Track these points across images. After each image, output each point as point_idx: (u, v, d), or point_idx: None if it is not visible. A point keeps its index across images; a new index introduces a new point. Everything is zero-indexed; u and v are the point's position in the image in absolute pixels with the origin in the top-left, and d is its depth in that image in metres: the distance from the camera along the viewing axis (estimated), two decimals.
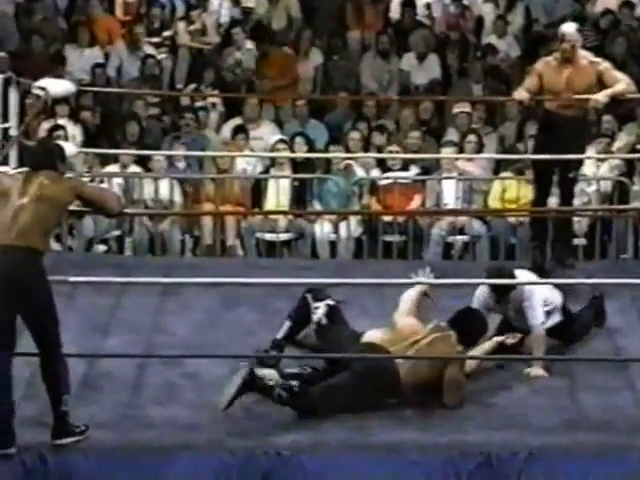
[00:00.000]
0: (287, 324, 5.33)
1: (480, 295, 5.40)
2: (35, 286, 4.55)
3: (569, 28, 6.19)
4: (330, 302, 5.25)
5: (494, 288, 5.29)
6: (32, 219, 4.55)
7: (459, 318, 5.19)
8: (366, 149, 8.15)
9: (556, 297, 5.47)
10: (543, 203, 6.32)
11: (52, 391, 4.63)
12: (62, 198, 4.63)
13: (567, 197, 6.31)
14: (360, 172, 7.91)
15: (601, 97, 6.10)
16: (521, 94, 6.19)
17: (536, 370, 5.30)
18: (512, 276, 5.36)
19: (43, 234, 4.60)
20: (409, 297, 5.35)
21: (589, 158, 7.90)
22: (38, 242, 4.57)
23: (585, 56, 6.19)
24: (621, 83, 6.15)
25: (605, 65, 6.21)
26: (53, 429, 4.66)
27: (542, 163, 6.25)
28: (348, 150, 8.07)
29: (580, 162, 6.40)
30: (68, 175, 4.87)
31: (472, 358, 5.21)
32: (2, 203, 4.62)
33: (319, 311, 5.22)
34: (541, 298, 5.36)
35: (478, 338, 5.21)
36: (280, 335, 5.33)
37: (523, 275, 5.47)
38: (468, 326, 5.16)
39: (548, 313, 5.39)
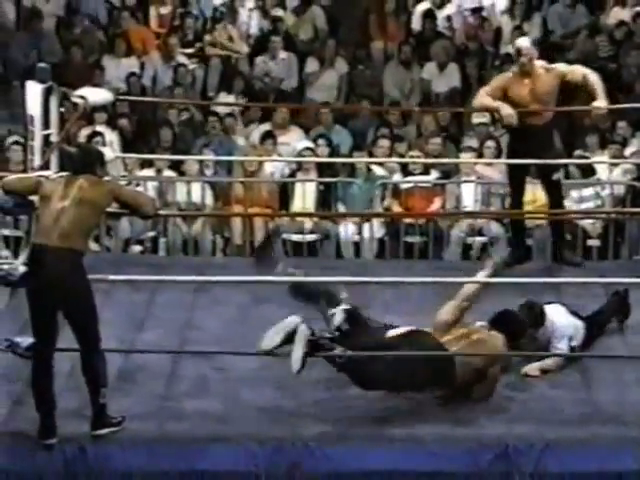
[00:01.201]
0: (340, 311, 5.14)
1: None
2: (76, 285, 4.57)
3: (524, 42, 6.15)
4: (345, 307, 5.14)
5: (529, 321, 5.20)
6: (73, 222, 4.57)
7: (500, 319, 5.11)
8: (390, 154, 8.14)
9: (579, 330, 5.38)
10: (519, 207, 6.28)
11: (91, 384, 4.65)
12: (101, 201, 4.65)
13: (557, 200, 6.28)
14: (381, 171, 7.91)
15: (601, 103, 6.05)
16: (506, 110, 5.99)
17: (531, 367, 5.23)
18: (542, 312, 5.30)
19: (83, 235, 4.62)
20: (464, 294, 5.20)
21: (602, 163, 7.88)
22: (79, 243, 4.59)
23: (541, 65, 6.15)
24: (592, 76, 6.07)
25: (561, 67, 6.16)
26: (92, 420, 4.68)
27: (516, 171, 6.23)
28: (371, 156, 8.07)
29: (556, 164, 6.33)
30: (106, 178, 4.89)
31: (508, 354, 5.14)
32: (44, 206, 4.64)
33: (337, 317, 5.08)
34: (568, 337, 5.30)
35: (519, 340, 5.14)
36: (338, 321, 5.15)
37: (553, 310, 5.38)
38: (510, 327, 5.11)
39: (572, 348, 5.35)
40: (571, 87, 6.29)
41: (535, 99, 6.06)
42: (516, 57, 6.13)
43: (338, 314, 4.98)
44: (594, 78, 6.11)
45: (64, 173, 4.76)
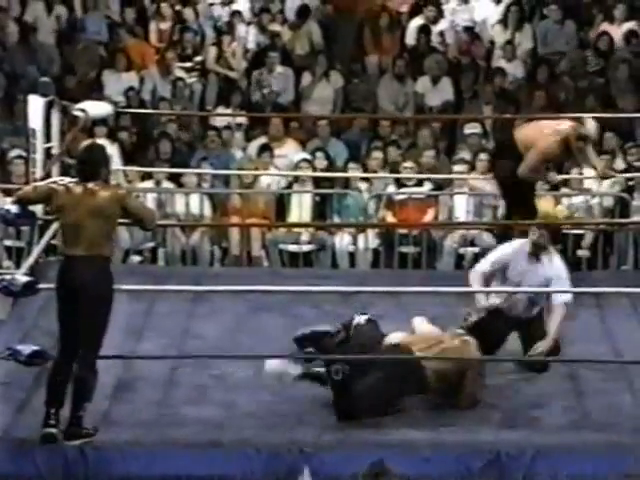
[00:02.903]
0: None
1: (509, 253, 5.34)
2: (102, 292, 4.59)
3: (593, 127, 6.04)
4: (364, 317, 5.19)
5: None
6: (92, 231, 4.57)
7: (475, 327, 5.15)
8: (384, 167, 8.17)
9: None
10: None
11: (76, 396, 4.64)
12: (109, 210, 4.61)
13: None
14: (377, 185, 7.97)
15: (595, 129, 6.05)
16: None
17: (543, 345, 5.26)
18: None
19: (106, 240, 4.62)
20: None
21: (590, 178, 7.91)
22: (105, 249, 4.60)
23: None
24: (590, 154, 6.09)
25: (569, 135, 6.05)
26: (66, 430, 4.65)
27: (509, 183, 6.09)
28: (366, 167, 8.11)
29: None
30: (116, 183, 4.84)
31: (490, 360, 5.19)
32: (63, 218, 4.65)
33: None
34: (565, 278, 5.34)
35: (493, 349, 5.16)
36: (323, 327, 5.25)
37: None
38: (484, 334, 5.13)
39: None
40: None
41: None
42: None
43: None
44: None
45: (74, 180, 4.70)
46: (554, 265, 5.36)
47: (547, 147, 5.96)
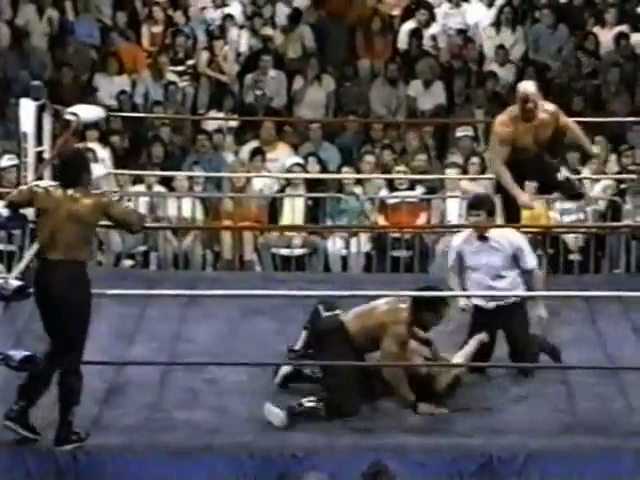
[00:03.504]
0: (304, 334, 5.32)
1: (458, 245, 5.37)
2: (76, 298, 4.58)
3: (530, 88, 5.78)
4: (339, 312, 5.24)
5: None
6: (70, 236, 4.57)
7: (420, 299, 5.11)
8: (376, 170, 8.19)
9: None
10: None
11: (63, 401, 4.65)
12: (89, 217, 4.62)
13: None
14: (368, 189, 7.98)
15: (595, 150, 6.03)
16: (523, 197, 5.67)
17: (541, 310, 5.29)
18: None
19: (83, 246, 4.62)
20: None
21: (585, 179, 7.94)
22: (81, 254, 4.60)
23: (544, 109, 5.83)
24: (580, 133, 5.95)
25: (556, 109, 5.86)
26: (56, 435, 4.66)
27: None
28: (359, 171, 8.11)
29: (559, 164, 6.06)
30: (98, 191, 4.85)
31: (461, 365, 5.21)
32: (42, 221, 4.65)
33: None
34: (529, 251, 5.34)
35: (432, 320, 5.13)
36: (298, 346, 5.33)
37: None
38: (426, 305, 5.08)
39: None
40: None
41: (538, 143, 5.81)
42: (521, 104, 5.72)
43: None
44: (576, 126, 5.95)
45: (55, 183, 4.71)
46: (509, 239, 5.33)
47: (498, 128, 5.81)
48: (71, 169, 4.66)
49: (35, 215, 4.72)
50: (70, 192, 4.63)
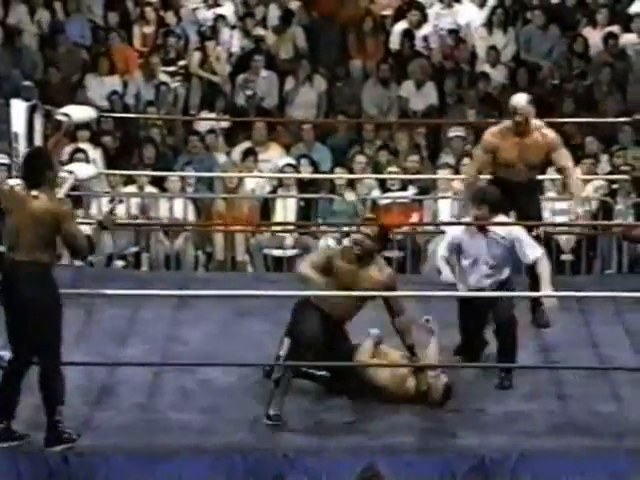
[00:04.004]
0: (287, 342, 5.29)
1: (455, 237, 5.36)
2: (40, 299, 4.55)
3: (521, 100, 5.69)
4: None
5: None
6: (32, 236, 4.54)
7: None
8: (366, 170, 8.20)
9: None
10: None
11: (47, 401, 4.64)
12: (47, 221, 4.55)
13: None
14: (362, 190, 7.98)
15: (582, 189, 5.88)
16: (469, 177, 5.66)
17: (550, 301, 5.31)
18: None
19: (46, 247, 4.57)
20: None
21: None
22: (43, 256, 4.56)
23: (538, 127, 5.75)
24: (575, 169, 5.85)
25: (557, 142, 5.75)
26: (46, 437, 4.65)
27: None
28: (352, 172, 8.12)
29: (540, 219, 5.96)
30: (61, 198, 4.73)
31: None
32: (8, 219, 4.63)
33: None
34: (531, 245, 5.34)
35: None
36: (283, 352, 5.31)
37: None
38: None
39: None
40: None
41: (523, 160, 5.69)
42: (512, 115, 5.69)
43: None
44: (572, 172, 5.79)
45: (22, 182, 4.67)
46: (506, 230, 5.32)
47: (485, 136, 5.81)
48: (34, 168, 4.61)
49: (3, 212, 4.68)
50: (33, 192, 4.58)
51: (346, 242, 5.39)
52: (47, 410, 4.63)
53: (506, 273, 5.40)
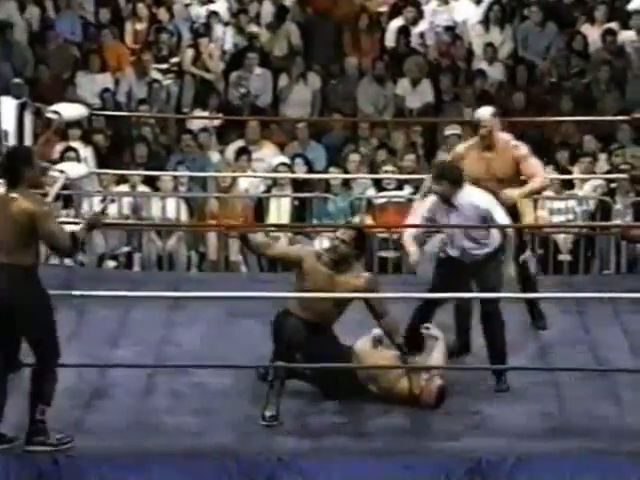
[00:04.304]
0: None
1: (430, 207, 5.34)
2: (26, 301, 4.53)
3: (485, 113, 5.64)
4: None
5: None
6: (12, 238, 4.52)
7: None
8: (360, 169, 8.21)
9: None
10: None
11: (33, 398, 4.64)
12: (23, 223, 4.50)
13: (528, 285, 5.68)
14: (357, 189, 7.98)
15: (516, 195, 5.57)
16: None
17: (509, 268, 5.29)
18: None
19: (26, 249, 4.53)
20: None
21: (575, 178, 7.97)
22: (24, 258, 4.53)
23: (506, 141, 5.66)
24: (537, 180, 5.62)
25: (523, 153, 5.63)
26: (26, 434, 4.64)
27: None
28: (347, 171, 8.13)
29: (524, 245, 5.77)
30: (42, 200, 4.65)
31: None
32: None
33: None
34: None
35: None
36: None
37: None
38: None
39: None
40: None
41: (490, 175, 5.58)
42: (479, 129, 5.63)
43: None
44: (536, 183, 5.64)
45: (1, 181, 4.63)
46: (476, 200, 5.28)
47: (455, 148, 5.82)
48: (11, 167, 4.55)
49: None
50: (12, 193, 4.53)
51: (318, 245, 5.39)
52: (30, 407, 4.62)
53: (492, 244, 5.32)
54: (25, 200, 4.53)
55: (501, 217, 5.33)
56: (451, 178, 5.29)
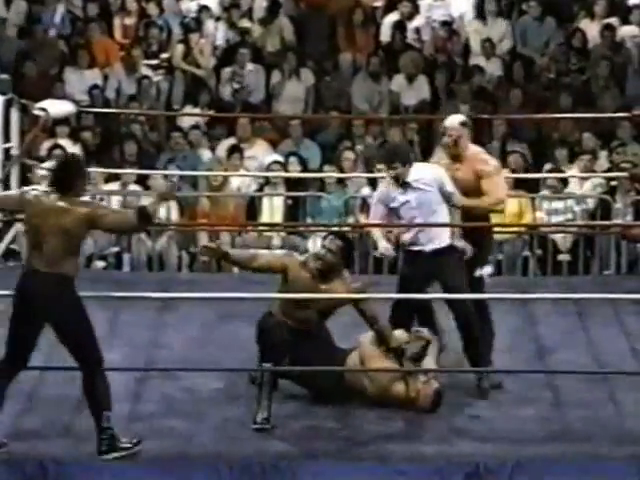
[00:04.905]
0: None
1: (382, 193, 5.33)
2: (64, 310, 4.59)
3: (453, 121, 5.40)
4: None
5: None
6: (54, 249, 4.57)
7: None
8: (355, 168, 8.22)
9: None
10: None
11: (92, 408, 4.68)
12: (74, 229, 4.58)
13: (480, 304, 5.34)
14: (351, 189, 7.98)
15: (464, 202, 5.33)
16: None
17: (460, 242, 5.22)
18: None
19: (69, 259, 4.61)
20: None
21: (573, 177, 7.99)
22: (67, 267, 4.59)
23: (474, 153, 5.40)
24: (487, 199, 5.32)
25: (488, 169, 5.35)
26: (97, 444, 4.69)
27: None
28: (342, 169, 8.13)
29: (485, 260, 5.46)
30: (86, 200, 4.71)
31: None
32: (29, 229, 4.65)
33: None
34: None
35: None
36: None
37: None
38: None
39: None
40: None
41: (456, 186, 5.34)
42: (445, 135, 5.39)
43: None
44: (485, 200, 5.35)
45: (47, 189, 4.69)
46: (427, 176, 5.26)
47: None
48: (65, 176, 4.62)
49: (24, 221, 4.69)
50: (60, 202, 4.58)
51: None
52: (94, 417, 4.67)
53: (445, 239, 5.27)
54: (77, 207, 4.57)
55: (450, 186, 5.29)
56: (402, 159, 5.29)
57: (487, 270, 5.46)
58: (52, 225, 4.56)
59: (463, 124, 5.40)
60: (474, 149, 5.47)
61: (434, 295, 5.41)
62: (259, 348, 5.17)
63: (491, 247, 5.60)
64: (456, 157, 5.42)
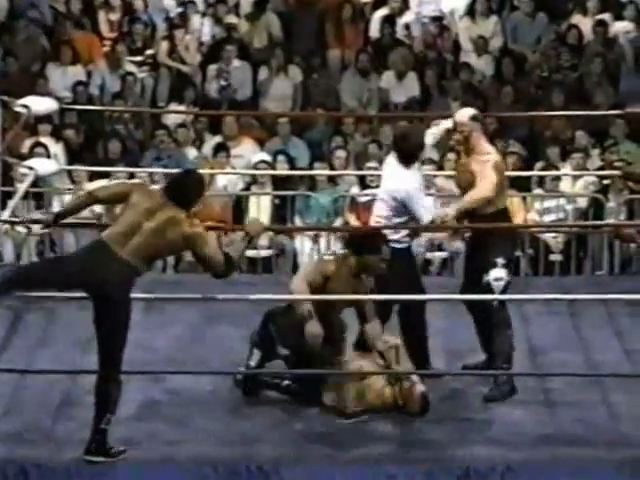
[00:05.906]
0: (257, 353, 5.29)
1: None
2: (121, 299, 4.61)
3: (463, 115, 5.14)
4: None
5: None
6: (144, 244, 4.59)
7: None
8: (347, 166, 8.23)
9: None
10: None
11: (98, 406, 4.69)
12: (176, 243, 4.62)
13: (482, 317, 5.22)
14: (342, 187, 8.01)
15: (454, 212, 5.16)
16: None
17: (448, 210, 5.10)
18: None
19: (149, 259, 4.66)
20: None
21: (565, 175, 8.01)
22: (142, 264, 4.62)
23: (481, 151, 5.16)
24: (467, 195, 5.16)
25: (481, 171, 5.11)
26: (87, 444, 4.69)
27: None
28: (331, 167, 8.14)
29: (494, 264, 5.15)
30: (197, 223, 4.68)
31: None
32: (127, 212, 4.63)
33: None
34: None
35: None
36: (254, 362, 5.30)
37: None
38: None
39: None
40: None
41: (458, 183, 5.26)
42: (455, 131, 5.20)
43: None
44: (467, 196, 5.16)
45: (160, 188, 4.74)
46: (395, 185, 5.15)
47: None
48: (186, 193, 4.64)
49: (128, 204, 4.64)
50: (172, 212, 4.59)
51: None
52: (95, 415, 4.67)
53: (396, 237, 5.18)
54: (181, 223, 4.60)
55: (422, 206, 5.10)
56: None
57: (495, 274, 5.12)
58: (155, 228, 4.58)
59: (474, 118, 5.13)
60: (484, 147, 5.17)
61: (439, 296, 5.42)
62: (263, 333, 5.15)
63: (498, 249, 5.16)
64: (465, 152, 5.18)
